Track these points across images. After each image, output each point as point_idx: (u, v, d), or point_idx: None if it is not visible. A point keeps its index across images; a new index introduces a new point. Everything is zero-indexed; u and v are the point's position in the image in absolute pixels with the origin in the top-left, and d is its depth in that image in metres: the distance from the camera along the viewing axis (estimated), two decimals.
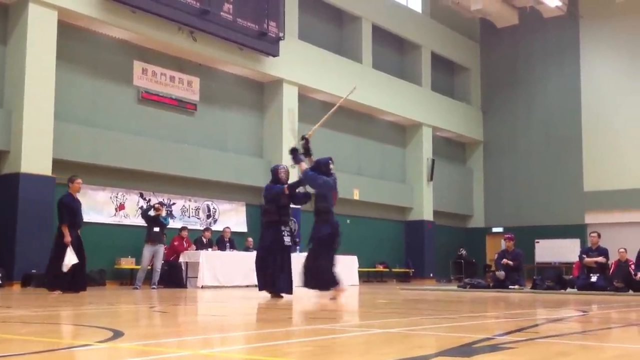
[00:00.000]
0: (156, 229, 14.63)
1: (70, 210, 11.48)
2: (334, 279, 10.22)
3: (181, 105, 18.06)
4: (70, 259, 11.16)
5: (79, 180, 11.92)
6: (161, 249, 14.79)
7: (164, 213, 15.54)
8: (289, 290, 10.52)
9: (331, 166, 10.56)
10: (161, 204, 15.87)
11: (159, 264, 14.66)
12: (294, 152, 10.65)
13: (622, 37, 26.24)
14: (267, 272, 10.53)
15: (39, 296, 10.46)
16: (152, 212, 14.94)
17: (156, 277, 14.67)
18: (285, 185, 10.79)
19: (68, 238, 11.25)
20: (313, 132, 11.14)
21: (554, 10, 26.34)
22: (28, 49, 14.42)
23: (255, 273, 10.91)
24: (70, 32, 15.77)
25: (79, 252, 11.42)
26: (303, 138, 10.82)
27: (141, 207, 16.69)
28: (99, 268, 15.72)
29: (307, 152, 10.62)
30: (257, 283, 11.03)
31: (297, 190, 10.88)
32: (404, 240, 25.71)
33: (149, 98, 17.30)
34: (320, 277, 10.17)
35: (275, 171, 11.13)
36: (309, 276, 10.29)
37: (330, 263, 10.26)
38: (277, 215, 10.66)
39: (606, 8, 26.44)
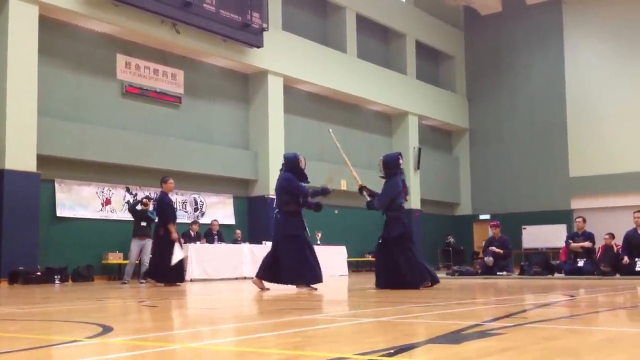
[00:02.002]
0: (143, 224, 14.58)
1: (172, 208, 12.46)
2: (421, 275, 9.99)
3: (166, 99, 17.97)
4: (178, 254, 12.07)
5: (171, 180, 12.63)
6: (149, 243, 14.73)
7: (151, 207, 15.47)
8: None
9: (400, 161, 10.45)
10: (148, 198, 15.79)
11: (146, 258, 14.60)
12: (360, 191, 10.75)
13: (605, 23, 26.35)
14: (315, 262, 10.11)
15: (26, 293, 10.40)
16: (139, 207, 14.88)
17: (143, 271, 14.60)
18: (310, 190, 10.54)
19: (175, 235, 12.18)
20: (357, 176, 11.08)
21: None
22: (9, 45, 14.28)
23: (265, 266, 10.24)
24: (51, 27, 15.63)
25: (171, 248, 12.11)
26: (361, 190, 10.70)
27: (128, 202, 16.63)
28: (86, 263, 15.65)
29: (372, 194, 10.55)
30: (306, 276, 10.01)
31: (312, 199, 10.65)
32: None
33: (133, 92, 17.21)
34: (402, 275, 9.90)
35: (296, 160, 10.66)
36: (387, 276, 10.02)
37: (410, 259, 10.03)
38: (297, 205, 10.48)
39: None
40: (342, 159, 11.57)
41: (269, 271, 10.14)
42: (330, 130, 12.43)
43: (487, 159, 28.74)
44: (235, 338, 4.47)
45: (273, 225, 10.68)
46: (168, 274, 12.22)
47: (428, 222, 26.61)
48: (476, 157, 29.11)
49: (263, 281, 10.24)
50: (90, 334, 4.50)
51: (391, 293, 9.08)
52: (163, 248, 12.23)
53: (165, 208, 12.39)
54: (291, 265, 9.94)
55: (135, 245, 14.49)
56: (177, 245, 12.20)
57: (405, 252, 9.97)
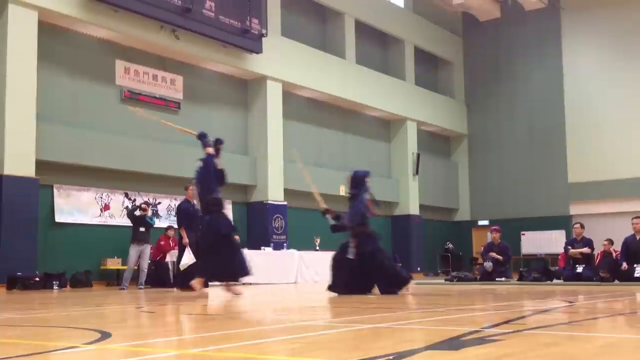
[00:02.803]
0: (142, 229, 14.58)
1: (185, 214, 12.58)
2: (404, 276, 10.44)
3: (165, 104, 17.97)
4: (186, 259, 12.04)
5: (191, 187, 12.54)
6: (147, 249, 14.74)
7: (150, 213, 15.48)
8: None
9: (367, 179, 10.64)
10: (147, 203, 15.80)
11: (145, 263, 14.61)
12: (324, 214, 10.89)
13: (603, 28, 26.41)
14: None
15: (24, 299, 10.38)
16: (138, 212, 14.87)
17: (143, 277, 14.61)
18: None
19: (186, 240, 12.24)
20: (320, 199, 11.17)
21: (535, 3, 26.48)
22: (9, 50, 14.28)
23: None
24: (51, 33, 15.64)
25: (196, 253, 12.01)
26: (324, 213, 10.84)
27: (127, 207, 16.61)
28: (85, 269, 15.63)
29: (337, 217, 10.70)
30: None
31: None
32: (391, 234, 25.76)
33: (132, 97, 17.21)
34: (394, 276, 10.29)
35: (365, 179, 10.72)
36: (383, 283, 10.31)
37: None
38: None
39: None
40: (309, 178, 11.86)
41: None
42: (295, 150, 12.61)
43: (486, 165, 28.75)
44: (234, 344, 4.46)
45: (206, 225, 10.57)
46: (178, 279, 12.40)
47: (427, 228, 26.61)
48: (475, 163, 29.13)
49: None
50: (88, 340, 4.49)
51: (391, 299, 9.07)
52: (178, 255, 12.62)
53: (178, 213, 12.92)
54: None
55: (133, 250, 14.48)
56: (187, 251, 12.28)
57: (383, 258, 10.27)
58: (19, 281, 13.78)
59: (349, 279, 10.27)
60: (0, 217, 13.96)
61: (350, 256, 10.25)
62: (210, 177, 10.41)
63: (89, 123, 16.33)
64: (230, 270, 10.28)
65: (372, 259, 10.22)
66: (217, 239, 10.18)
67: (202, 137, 10.70)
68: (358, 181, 10.60)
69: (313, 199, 11.64)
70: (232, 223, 11.03)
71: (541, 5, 26.62)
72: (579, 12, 26.84)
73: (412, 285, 10.37)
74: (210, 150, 10.56)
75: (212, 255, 10.16)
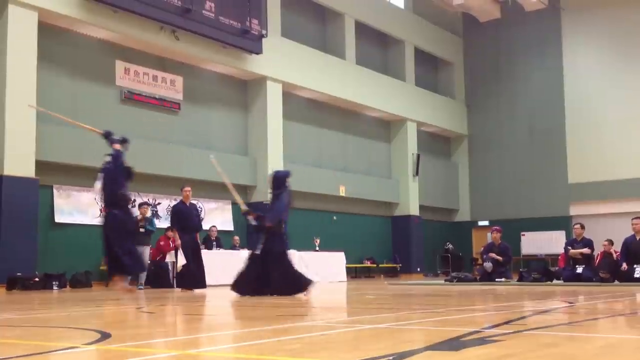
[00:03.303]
0: (142, 230, 14.57)
1: (176, 215, 12.74)
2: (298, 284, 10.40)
3: (165, 105, 17.97)
4: (181, 259, 12.45)
5: (187, 188, 12.91)
6: (147, 250, 14.74)
7: (149, 213, 15.44)
8: None
9: (288, 179, 10.79)
10: (146, 204, 15.77)
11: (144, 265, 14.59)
12: (245, 215, 11.20)
13: (604, 29, 26.40)
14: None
15: (24, 299, 10.38)
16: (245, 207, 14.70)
17: (142, 277, 14.60)
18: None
19: (178, 242, 12.59)
20: (241, 201, 11.68)
21: (535, 3, 26.48)
22: (8, 51, 14.29)
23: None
24: (51, 33, 15.64)
25: (194, 254, 12.35)
26: (245, 214, 11.13)
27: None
28: (84, 269, 15.62)
29: (258, 217, 10.82)
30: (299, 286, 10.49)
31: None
32: (391, 235, 25.76)
33: (132, 98, 17.20)
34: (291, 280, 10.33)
35: (286, 179, 10.87)
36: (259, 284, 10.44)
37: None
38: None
39: (587, 0, 26.61)
40: (229, 184, 11.90)
41: None
42: (212, 157, 12.80)
43: (486, 166, 28.75)
44: (233, 344, 4.46)
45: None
46: (178, 279, 12.81)
47: (427, 229, 26.61)
48: (475, 164, 29.12)
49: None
50: (88, 340, 4.49)
51: (391, 299, 9.06)
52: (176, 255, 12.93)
53: (171, 215, 13.14)
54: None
55: None
56: (179, 253, 12.54)
57: (280, 267, 10.29)
58: (18, 281, 13.78)
59: (252, 278, 10.40)
60: (0, 218, 13.95)
61: (257, 251, 10.40)
62: (118, 172, 10.56)
63: (89, 123, 16.15)
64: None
65: (276, 260, 10.30)
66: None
67: (107, 135, 10.89)
68: (279, 181, 10.71)
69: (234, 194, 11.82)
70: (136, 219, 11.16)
71: (541, 6, 26.62)
72: (579, 12, 26.83)
73: (311, 289, 10.27)
74: (118, 146, 10.68)
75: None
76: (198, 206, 18.80)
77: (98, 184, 10.86)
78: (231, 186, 11.60)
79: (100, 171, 10.74)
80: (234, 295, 10.35)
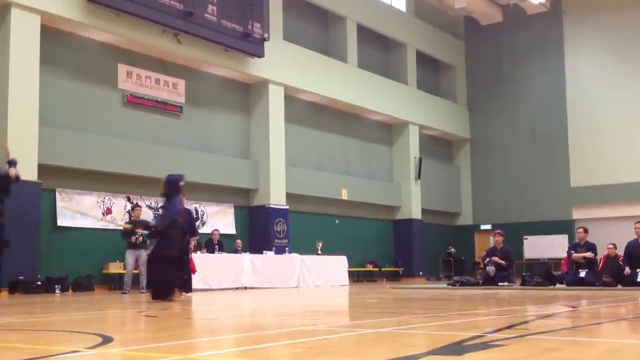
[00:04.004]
0: (138, 232, 14.52)
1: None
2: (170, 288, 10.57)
3: (167, 108, 17.99)
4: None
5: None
6: (144, 253, 14.64)
7: (142, 216, 15.29)
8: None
9: (181, 183, 10.85)
10: (138, 205, 15.55)
11: (144, 268, 14.54)
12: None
13: (605, 32, 26.39)
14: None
15: (26, 303, 10.38)
16: (133, 238, 14.64)
17: (144, 281, 14.55)
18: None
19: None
20: (125, 225, 12.11)
21: (537, 7, 26.50)
22: (11, 54, 14.30)
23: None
24: (53, 36, 15.66)
25: (179, 259, 12.16)
26: (130, 234, 11.28)
27: (127, 211, 16.55)
28: (87, 273, 15.62)
29: (147, 227, 10.89)
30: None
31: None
32: (393, 239, 25.74)
33: (134, 101, 17.22)
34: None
35: (179, 183, 10.92)
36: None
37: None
38: None
39: (589, 3, 26.64)
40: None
41: None
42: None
43: (488, 169, 28.73)
44: (236, 349, 4.45)
45: None
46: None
47: (429, 232, 26.58)
48: (477, 167, 29.10)
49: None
50: (90, 344, 4.48)
51: (393, 303, 9.05)
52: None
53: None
54: None
55: (129, 255, 14.49)
56: None
57: (158, 269, 10.36)
58: (21, 285, 13.78)
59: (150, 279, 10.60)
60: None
61: (147, 251, 10.58)
62: None
63: (91, 127, 16.35)
64: None
65: (161, 262, 10.33)
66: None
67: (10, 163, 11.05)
68: (172, 185, 10.71)
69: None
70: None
71: (543, 9, 26.63)
72: (580, 16, 26.83)
73: (185, 296, 10.32)
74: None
75: None
76: (200, 209, 18.88)
77: None
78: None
79: None
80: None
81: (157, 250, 10.40)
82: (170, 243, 10.40)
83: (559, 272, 16.30)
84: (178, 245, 10.65)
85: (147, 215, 15.88)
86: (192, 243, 13.28)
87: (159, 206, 10.51)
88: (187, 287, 12.57)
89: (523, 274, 17.14)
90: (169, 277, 10.36)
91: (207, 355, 4.03)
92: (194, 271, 13.39)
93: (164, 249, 10.34)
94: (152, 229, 10.74)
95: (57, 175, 15.53)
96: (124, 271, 15.43)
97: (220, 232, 17.89)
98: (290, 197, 20.57)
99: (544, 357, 3.71)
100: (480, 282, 15.55)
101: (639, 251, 13.86)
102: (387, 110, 24.70)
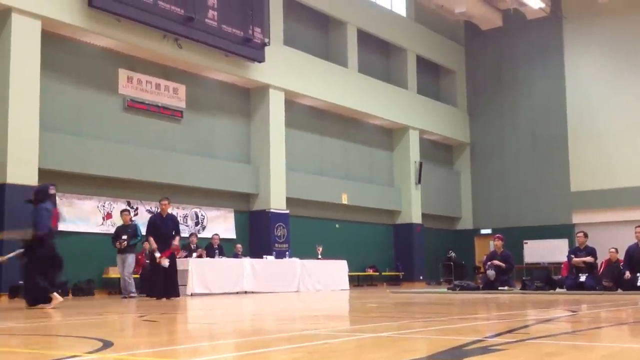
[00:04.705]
0: (124, 237, 14.55)
1: (152, 226, 13.42)
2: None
3: (167, 113, 18.00)
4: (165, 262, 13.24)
5: (164, 202, 13.56)
6: (129, 258, 14.62)
7: (131, 218, 15.27)
8: None
9: (51, 191, 11.00)
10: (127, 210, 15.50)
11: (126, 272, 14.49)
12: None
13: (605, 37, 26.42)
14: None
15: (26, 308, 10.37)
16: (118, 244, 14.68)
17: (126, 285, 14.46)
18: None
19: (154, 246, 13.20)
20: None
21: (537, 12, 26.52)
22: (12, 59, 14.31)
23: None
24: (54, 42, 15.68)
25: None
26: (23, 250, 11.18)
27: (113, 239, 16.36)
28: (87, 278, 15.62)
29: (26, 234, 10.86)
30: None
31: None
32: (393, 243, 25.73)
33: (134, 106, 17.24)
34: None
35: (48, 190, 11.01)
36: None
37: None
38: None
39: (589, 8, 26.66)
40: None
41: None
42: None
43: (488, 174, 28.73)
44: (236, 353, 4.45)
45: None
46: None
47: (429, 237, 26.58)
48: (477, 172, 29.11)
49: None
50: (90, 349, 4.49)
51: (393, 308, 9.04)
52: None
53: (147, 226, 13.74)
54: None
55: (118, 259, 14.57)
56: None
57: (29, 274, 10.48)
58: (21, 290, 13.73)
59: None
60: (2, 225, 13.94)
61: (18, 258, 10.74)
62: None
63: (92, 132, 16.36)
64: None
65: (32, 266, 10.42)
66: None
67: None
68: (42, 192, 10.85)
69: None
70: None
71: (543, 14, 26.66)
72: (581, 21, 26.87)
73: (55, 304, 10.28)
74: None
75: None
76: (200, 214, 18.86)
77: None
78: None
79: None
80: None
81: (32, 253, 10.52)
82: (44, 248, 10.51)
83: (559, 277, 16.30)
84: (45, 250, 10.64)
85: (143, 219, 15.85)
86: (177, 240, 13.47)
87: (29, 213, 10.66)
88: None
89: (523, 278, 17.14)
90: (36, 283, 10.40)
91: None
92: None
93: (34, 252, 10.48)
94: (33, 235, 10.63)
95: (57, 179, 15.49)
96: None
97: (221, 236, 17.90)
98: (290, 201, 20.57)
99: None
100: (481, 286, 15.54)
101: (639, 255, 13.85)
102: (387, 115, 24.72)
